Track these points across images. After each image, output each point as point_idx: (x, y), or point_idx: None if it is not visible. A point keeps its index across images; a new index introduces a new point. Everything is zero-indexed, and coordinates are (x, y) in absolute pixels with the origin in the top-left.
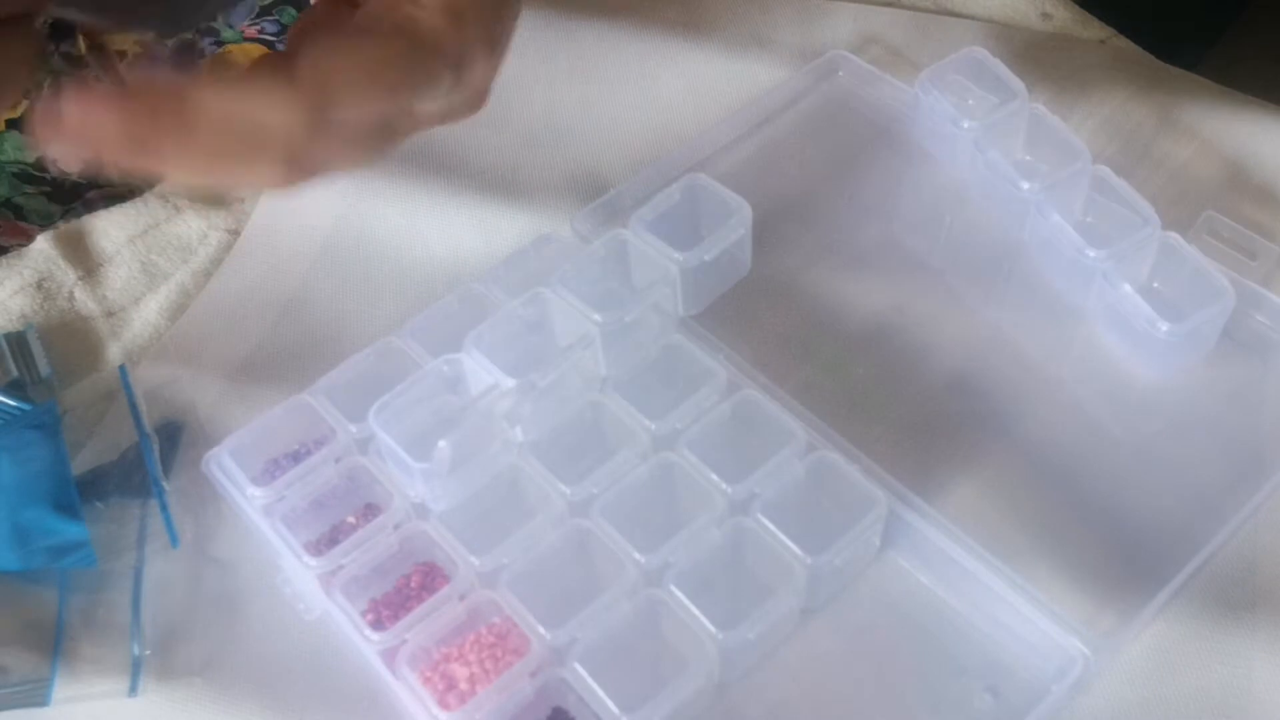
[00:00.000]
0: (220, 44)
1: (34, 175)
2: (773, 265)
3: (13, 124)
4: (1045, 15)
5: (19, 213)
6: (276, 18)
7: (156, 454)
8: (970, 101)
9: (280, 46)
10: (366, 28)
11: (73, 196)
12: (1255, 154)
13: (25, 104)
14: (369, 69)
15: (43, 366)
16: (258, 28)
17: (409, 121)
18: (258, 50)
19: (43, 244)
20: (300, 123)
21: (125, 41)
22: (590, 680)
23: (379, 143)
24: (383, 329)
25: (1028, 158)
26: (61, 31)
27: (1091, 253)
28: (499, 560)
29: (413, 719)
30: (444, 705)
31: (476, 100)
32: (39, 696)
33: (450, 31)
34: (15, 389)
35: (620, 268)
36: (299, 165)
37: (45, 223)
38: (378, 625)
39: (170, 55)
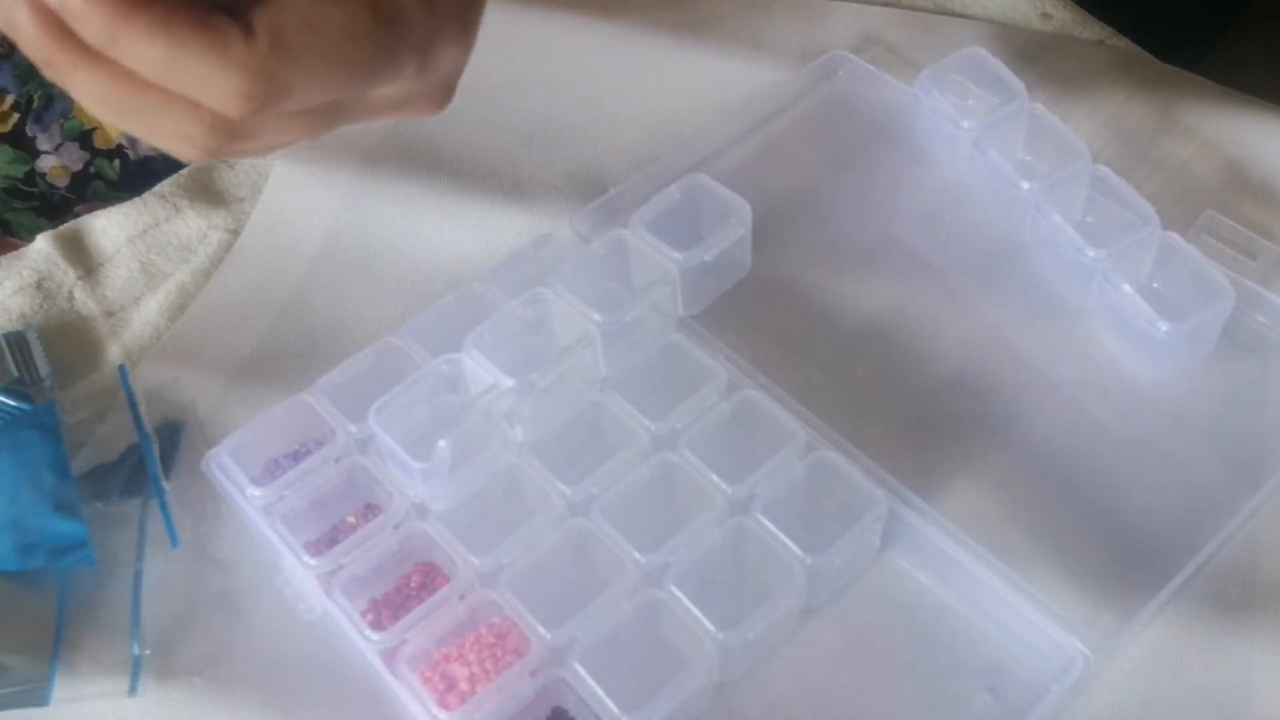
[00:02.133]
0: None
1: (22, 190)
2: (773, 265)
3: (1, 138)
4: (1045, 15)
5: (7, 228)
6: None
7: (156, 454)
8: (970, 101)
9: None
10: None
11: (61, 210)
12: (1255, 154)
13: (16, 117)
14: (330, 39)
15: (43, 366)
16: None
17: (361, 106)
18: None
19: (42, 244)
20: (245, 87)
21: None
22: (590, 680)
23: (323, 123)
24: (383, 329)
25: (1028, 158)
26: None
27: (1091, 253)
28: (499, 560)
29: (413, 719)
30: (444, 705)
31: (441, 94)
32: (39, 696)
33: (421, 13)
34: (15, 389)
35: (620, 268)
36: (228, 133)
37: (33, 237)
38: (378, 625)
39: None
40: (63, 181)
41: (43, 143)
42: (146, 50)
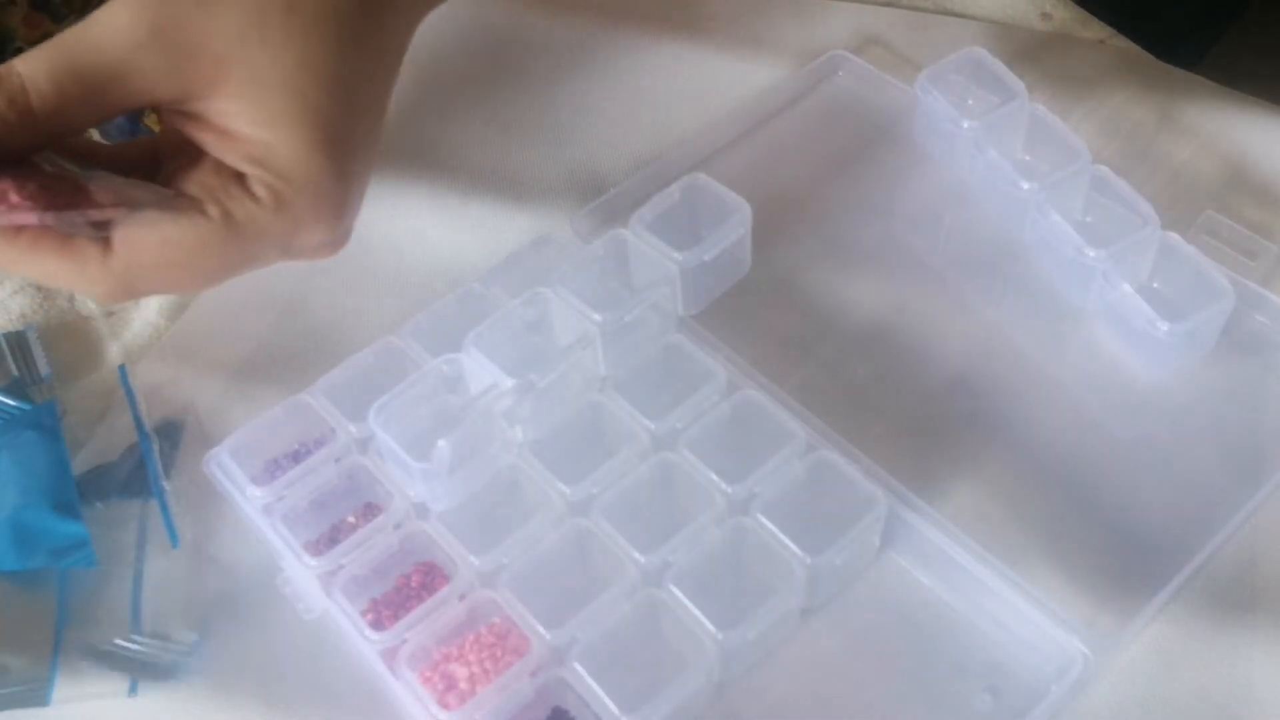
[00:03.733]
0: None
1: None
2: (773, 265)
3: None
4: (1045, 15)
5: None
6: None
7: (156, 454)
8: (970, 101)
9: None
10: (190, 206)
11: None
12: (1255, 154)
13: None
14: (183, 253)
15: (43, 366)
16: None
17: (246, 270)
18: None
19: None
20: (104, 293)
21: None
22: (590, 680)
23: (207, 286)
24: (383, 329)
25: (1028, 158)
26: None
27: (1091, 252)
28: (499, 560)
29: (412, 719)
30: (444, 705)
31: (326, 253)
32: (39, 696)
33: (277, 223)
34: (15, 389)
35: (620, 268)
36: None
37: None
38: (378, 625)
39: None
40: None
41: None
42: (22, 269)
